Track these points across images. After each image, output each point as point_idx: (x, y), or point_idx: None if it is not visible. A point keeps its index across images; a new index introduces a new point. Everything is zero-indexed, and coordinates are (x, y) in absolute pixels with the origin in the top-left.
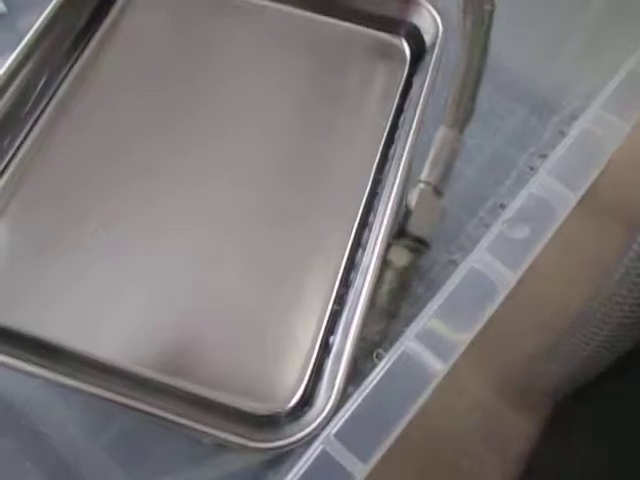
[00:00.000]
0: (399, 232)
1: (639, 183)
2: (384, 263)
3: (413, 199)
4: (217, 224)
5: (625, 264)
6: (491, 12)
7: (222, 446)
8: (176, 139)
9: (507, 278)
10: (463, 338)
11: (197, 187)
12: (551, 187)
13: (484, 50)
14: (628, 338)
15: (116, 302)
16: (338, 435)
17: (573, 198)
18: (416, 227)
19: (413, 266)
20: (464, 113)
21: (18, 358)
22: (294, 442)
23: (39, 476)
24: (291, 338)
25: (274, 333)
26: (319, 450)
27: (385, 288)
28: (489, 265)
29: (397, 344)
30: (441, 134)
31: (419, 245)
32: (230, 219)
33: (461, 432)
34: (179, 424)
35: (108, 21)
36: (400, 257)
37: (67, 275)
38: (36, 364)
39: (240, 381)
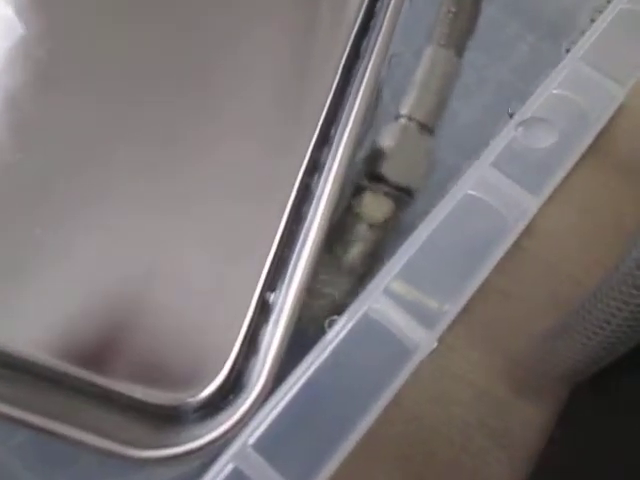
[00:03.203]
0: (373, 176)
1: None
2: (356, 215)
3: (390, 137)
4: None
5: None
6: None
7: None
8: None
9: (523, 206)
10: (452, 302)
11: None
12: (586, 76)
13: None
14: None
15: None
16: (257, 446)
17: (618, 93)
18: (395, 171)
19: (393, 220)
20: (462, 30)
21: None
22: (196, 449)
23: None
24: (217, 298)
25: (195, 291)
26: (229, 469)
27: (357, 246)
28: (495, 188)
29: (356, 305)
30: (430, 54)
31: (400, 194)
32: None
33: (460, 426)
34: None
35: None
36: (376, 208)
37: None
38: None
39: (140, 360)
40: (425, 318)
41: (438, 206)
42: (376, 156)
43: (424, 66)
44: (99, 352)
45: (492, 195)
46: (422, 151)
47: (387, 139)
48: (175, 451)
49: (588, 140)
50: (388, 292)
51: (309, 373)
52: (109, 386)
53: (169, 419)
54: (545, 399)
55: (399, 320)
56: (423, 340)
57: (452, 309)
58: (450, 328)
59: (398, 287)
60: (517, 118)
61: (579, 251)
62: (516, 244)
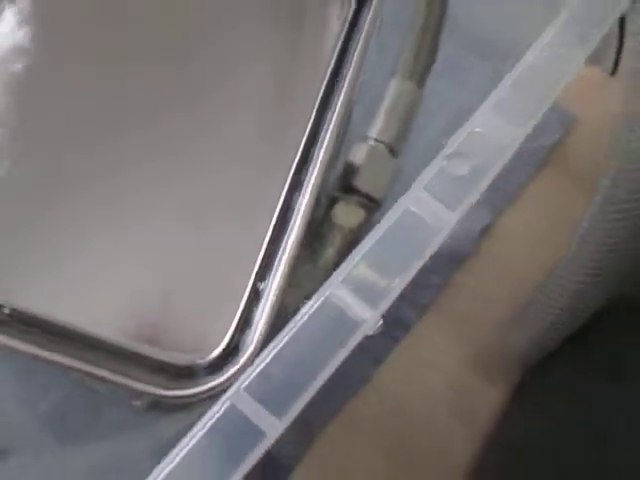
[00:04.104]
0: (347, 189)
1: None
2: (332, 222)
3: (361, 155)
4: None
5: (583, 228)
6: None
7: (153, 410)
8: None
9: (444, 218)
10: (394, 285)
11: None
12: (494, 123)
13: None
14: (588, 304)
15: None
16: (247, 388)
17: (519, 134)
18: (366, 185)
19: (363, 225)
20: (423, 64)
21: None
22: (203, 392)
23: None
24: (220, 286)
25: (201, 281)
26: (227, 405)
27: (333, 247)
28: (425, 205)
29: (320, 291)
30: (395, 86)
31: (370, 203)
32: (166, 174)
33: (430, 407)
34: (95, 375)
35: None
36: (349, 215)
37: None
38: None
39: (163, 331)
40: (371, 299)
41: (384, 218)
42: (349, 172)
43: (390, 96)
44: (138, 328)
45: (423, 210)
46: (389, 168)
47: (358, 157)
48: (189, 392)
49: (497, 170)
50: (345, 280)
51: (283, 342)
52: (145, 352)
53: (186, 374)
54: (504, 382)
55: (350, 301)
56: (368, 317)
57: (393, 291)
58: (423, 321)
59: (353, 275)
60: (443, 152)
61: (535, 252)
62: (482, 247)
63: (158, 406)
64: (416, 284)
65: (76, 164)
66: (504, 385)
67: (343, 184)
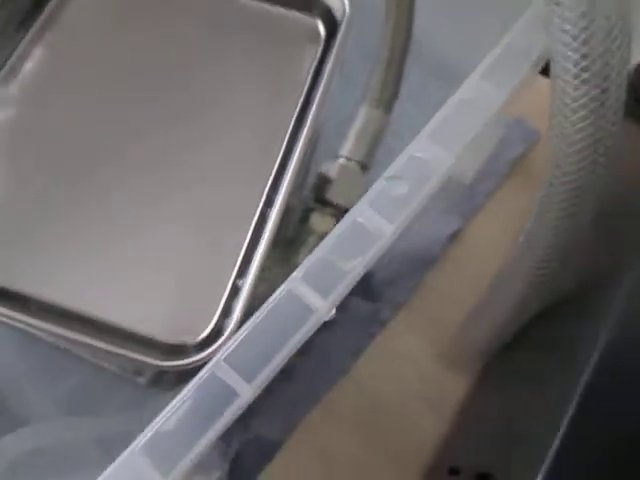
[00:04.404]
0: (320, 200)
1: None
2: (307, 229)
3: (334, 171)
4: (155, 182)
5: (527, 229)
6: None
7: (154, 386)
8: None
9: (384, 230)
10: (344, 281)
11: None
12: (428, 148)
13: (408, 32)
14: (535, 301)
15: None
16: (227, 360)
17: (448, 158)
18: (337, 196)
19: None
20: (389, 93)
21: None
22: (191, 363)
23: None
24: (207, 282)
25: (193, 278)
26: (209, 373)
27: (306, 251)
28: (369, 218)
29: (284, 285)
30: (364, 113)
31: (341, 213)
32: (165, 183)
33: (403, 396)
34: (105, 350)
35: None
36: (322, 223)
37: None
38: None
39: (162, 317)
40: (324, 291)
41: (337, 226)
42: (322, 185)
43: (360, 122)
44: (143, 314)
45: (369, 222)
46: (359, 182)
47: (332, 173)
48: (181, 363)
49: (431, 190)
50: (304, 276)
51: (254, 325)
52: (147, 334)
53: (179, 351)
54: (469, 373)
55: (307, 293)
56: (322, 305)
57: (343, 285)
58: (397, 318)
59: (310, 272)
60: (384, 175)
61: (499, 256)
62: (450, 251)
63: (158, 383)
64: (392, 285)
65: (90, 177)
66: (469, 376)
67: (318, 196)
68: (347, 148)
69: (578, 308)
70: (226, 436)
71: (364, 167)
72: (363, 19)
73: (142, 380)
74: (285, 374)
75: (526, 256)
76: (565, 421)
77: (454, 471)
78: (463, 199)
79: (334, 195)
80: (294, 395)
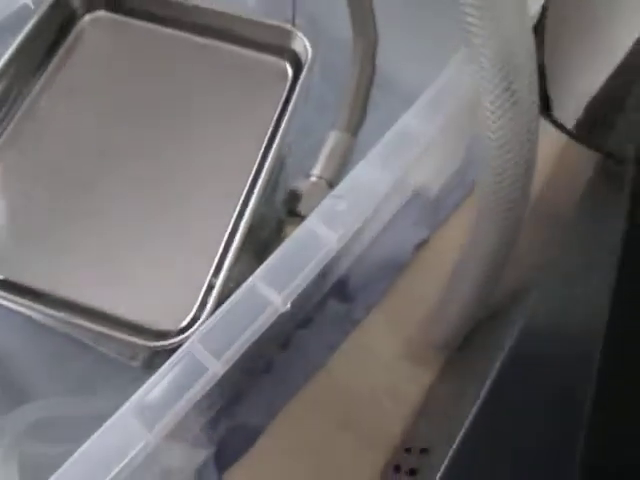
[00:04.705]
0: (292, 212)
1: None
2: (281, 238)
3: (304, 187)
4: (147, 199)
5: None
6: (376, 38)
7: (147, 369)
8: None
9: (329, 239)
10: (296, 279)
11: (135, 179)
12: (369, 170)
13: (372, 68)
14: (482, 301)
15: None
16: (200, 341)
17: (386, 180)
18: (306, 209)
19: None
20: (357, 118)
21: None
22: (176, 342)
23: None
24: (188, 280)
25: (177, 277)
26: (185, 352)
27: None
28: (318, 228)
29: (247, 282)
30: (334, 137)
31: None
32: (155, 199)
33: (374, 390)
34: (105, 335)
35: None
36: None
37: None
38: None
39: (151, 308)
40: (279, 288)
41: (292, 235)
42: (294, 200)
43: (330, 144)
44: (137, 306)
45: (319, 230)
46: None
47: (303, 188)
48: (164, 343)
49: (369, 206)
50: (264, 276)
51: (221, 316)
52: (138, 322)
53: (164, 335)
54: (432, 366)
55: (265, 289)
56: (278, 299)
57: (296, 283)
58: (369, 318)
59: (269, 272)
60: (333, 194)
61: None
62: (418, 258)
63: (150, 366)
64: (365, 288)
65: (93, 194)
66: (431, 369)
67: (290, 209)
68: (318, 168)
69: (499, 318)
70: (213, 422)
71: (331, 185)
72: (334, 56)
73: (136, 363)
74: (267, 367)
75: (470, 260)
76: (475, 409)
77: (408, 450)
78: (430, 212)
79: (304, 209)
80: (275, 386)
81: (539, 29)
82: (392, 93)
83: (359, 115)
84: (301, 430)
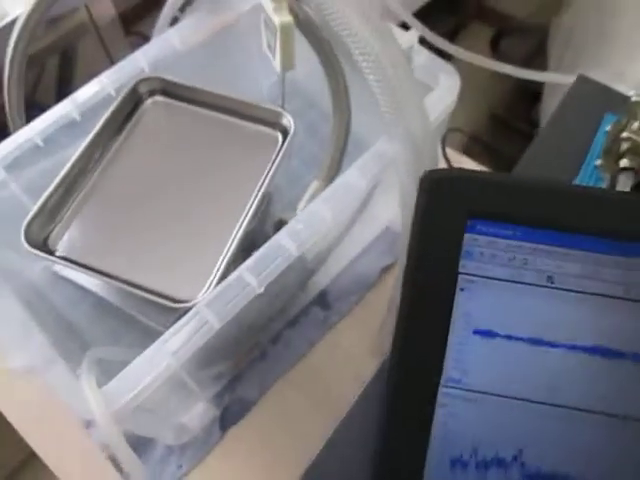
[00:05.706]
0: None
1: None
2: None
3: (288, 217)
4: (178, 221)
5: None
6: (349, 115)
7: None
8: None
9: (289, 248)
10: (268, 268)
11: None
12: (319, 205)
13: (347, 134)
14: None
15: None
16: (207, 305)
17: (328, 211)
18: None
19: None
20: (333, 173)
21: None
22: (191, 306)
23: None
24: (201, 267)
25: (195, 265)
26: (195, 311)
27: None
28: (281, 240)
29: (235, 272)
30: (314, 185)
31: None
32: (182, 220)
33: (340, 373)
34: (141, 298)
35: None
36: None
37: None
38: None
39: (176, 282)
40: (257, 275)
41: (266, 243)
42: (281, 225)
43: (310, 189)
44: (164, 280)
45: (285, 242)
46: None
47: (288, 218)
48: (184, 306)
49: (322, 229)
50: (249, 266)
51: (217, 291)
52: (165, 292)
53: (182, 301)
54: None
55: (249, 276)
56: (255, 283)
57: (268, 275)
58: (342, 322)
59: (250, 265)
60: (296, 218)
61: None
62: (383, 279)
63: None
64: (341, 299)
65: (149, 212)
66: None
67: (276, 230)
68: (301, 205)
69: None
70: (219, 394)
71: None
72: (320, 123)
73: (163, 329)
74: (262, 357)
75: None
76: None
77: None
78: (395, 243)
79: None
80: (267, 370)
81: None
82: (363, 149)
83: (335, 169)
84: (285, 404)
